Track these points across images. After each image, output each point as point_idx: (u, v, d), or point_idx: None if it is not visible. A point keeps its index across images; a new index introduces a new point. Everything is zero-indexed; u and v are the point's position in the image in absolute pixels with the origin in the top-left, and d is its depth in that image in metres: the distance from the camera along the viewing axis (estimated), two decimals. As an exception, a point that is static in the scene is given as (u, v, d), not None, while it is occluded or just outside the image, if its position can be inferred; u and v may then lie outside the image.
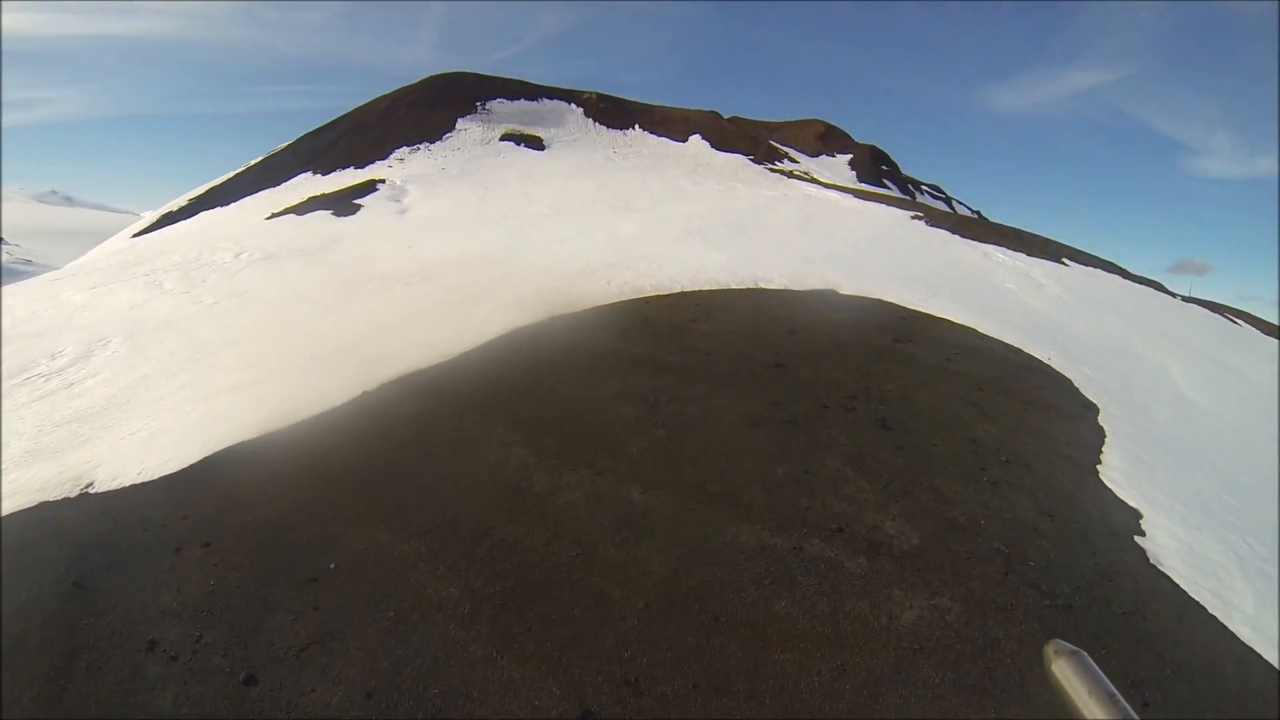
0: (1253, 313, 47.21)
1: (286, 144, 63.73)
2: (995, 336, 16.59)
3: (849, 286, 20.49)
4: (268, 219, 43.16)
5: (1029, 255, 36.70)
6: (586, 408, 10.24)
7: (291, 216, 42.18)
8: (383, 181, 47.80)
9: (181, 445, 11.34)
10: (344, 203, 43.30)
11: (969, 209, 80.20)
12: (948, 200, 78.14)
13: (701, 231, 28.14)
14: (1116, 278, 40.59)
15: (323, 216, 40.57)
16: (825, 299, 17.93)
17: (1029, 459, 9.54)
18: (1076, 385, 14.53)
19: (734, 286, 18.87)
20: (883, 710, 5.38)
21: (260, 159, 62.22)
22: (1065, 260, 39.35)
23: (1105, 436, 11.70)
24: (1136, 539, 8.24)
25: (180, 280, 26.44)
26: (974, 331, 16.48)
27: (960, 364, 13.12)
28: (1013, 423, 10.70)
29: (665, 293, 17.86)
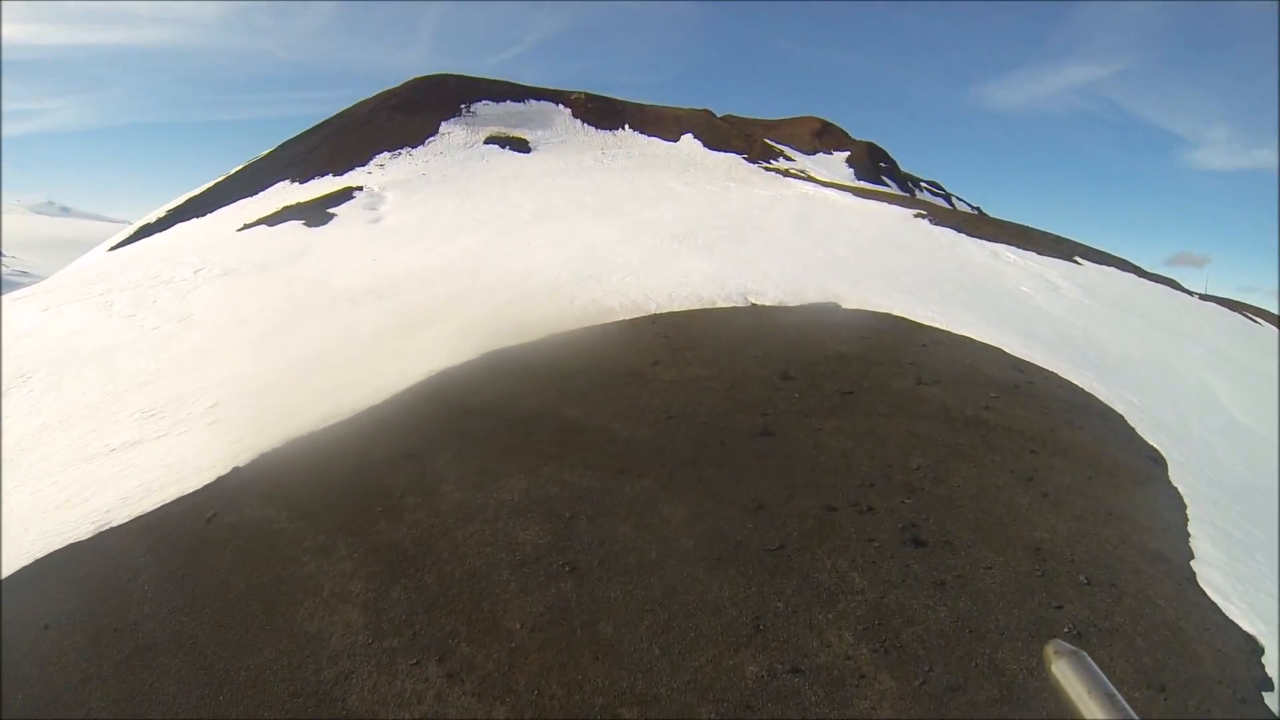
0: (1256, 304, 44.66)
1: (267, 151, 60.98)
2: (1028, 360, 13.85)
3: (853, 298, 17.66)
4: (239, 230, 41.32)
5: (1040, 254, 33.90)
6: (469, 530, 6.98)
7: (263, 227, 40.43)
8: (360, 189, 45.36)
9: (9, 545, 8.80)
10: (318, 212, 41.24)
11: (969, 205, 77.32)
12: (947, 197, 75.22)
13: (689, 236, 25.28)
14: (1132, 276, 37.76)
15: (294, 227, 38.67)
16: (826, 318, 15.06)
17: (1112, 571, 6.66)
18: (1131, 424, 11.78)
19: (718, 304, 16.05)
20: None
21: (240, 167, 59.55)
22: (1078, 259, 36.50)
23: (1185, 506, 8.89)
24: (1267, 698, 5.48)
25: (131, 301, 24.42)
26: (1004, 355, 13.70)
27: (1001, 412, 10.13)
28: (1080, 506, 7.80)
29: (635, 315, 15.05)
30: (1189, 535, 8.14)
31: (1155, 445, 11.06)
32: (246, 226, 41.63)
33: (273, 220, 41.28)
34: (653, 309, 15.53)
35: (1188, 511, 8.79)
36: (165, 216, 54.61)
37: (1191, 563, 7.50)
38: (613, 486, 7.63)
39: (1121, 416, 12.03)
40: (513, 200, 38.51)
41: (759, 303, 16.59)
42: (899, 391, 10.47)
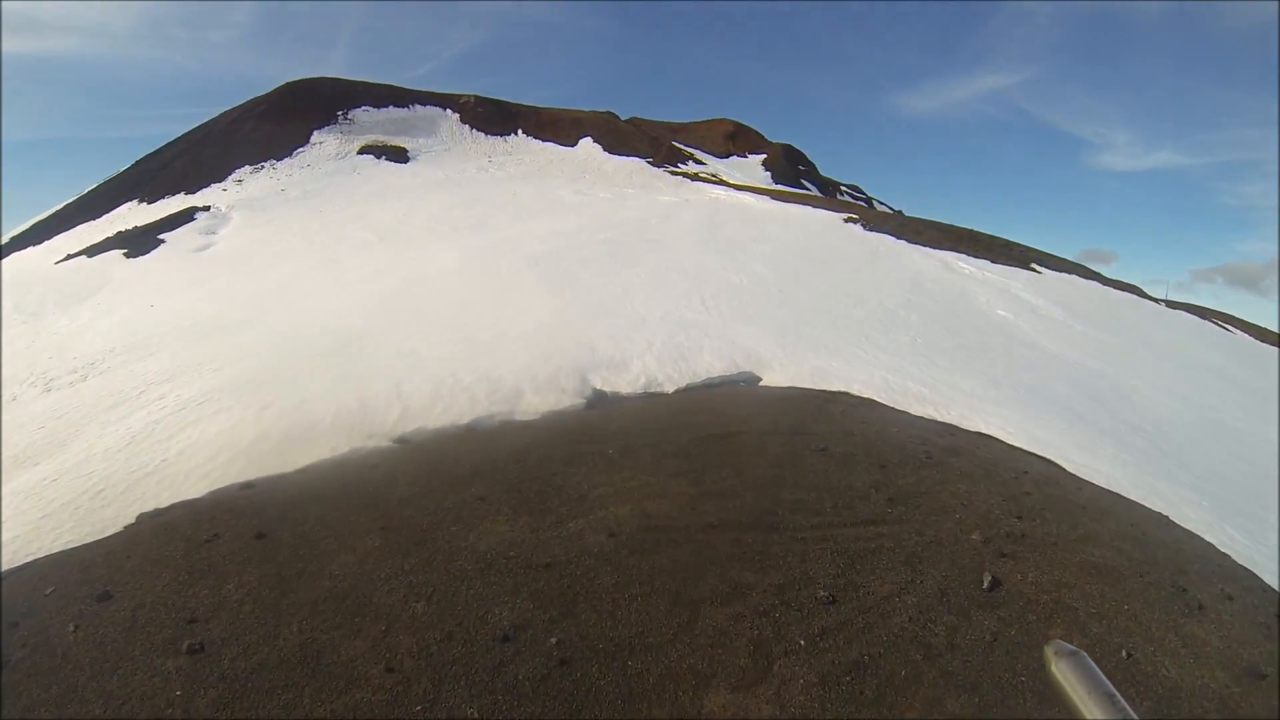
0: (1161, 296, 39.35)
1: (123, 169, 51.57)
2: (1120, 493, 6.58)
3: (779, 360, 10.06)
4: (58, 263, 33.02)
5: (994, 263, 26.97)
6: None
7: (81, 259, 32.41)
8: (207, 209, 36.77)
9: None
10: (147, 239, 33.20)
11: (889, 208, 70.75)
12: (868, 200, 68.51)
13: (551, 258, 17.45)
14: (1095, 285, 31.16)
15: (109, 259, 30.84)
16: (721, 460, 7.00)
17: None
18: None
19: (522, 405, 8.20)
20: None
21: (92, 187, 50.17)
22: (1035, 266, 29.69)
23: None
24: None
25: None
26: (1106, 510, 6.09)
27: None
28: None
29: (343, 447, 7.11)
30: None
31: None
32: (69, 257, 33.40)
33: (94, 250, 33.03)
34: (388, 423, 7.66)
35: None
36: (6, 244, 45.81)
37: None
38: None
39: None
40: (369, 218, 30.54)
41: (608, 391, 8.79)
42: None
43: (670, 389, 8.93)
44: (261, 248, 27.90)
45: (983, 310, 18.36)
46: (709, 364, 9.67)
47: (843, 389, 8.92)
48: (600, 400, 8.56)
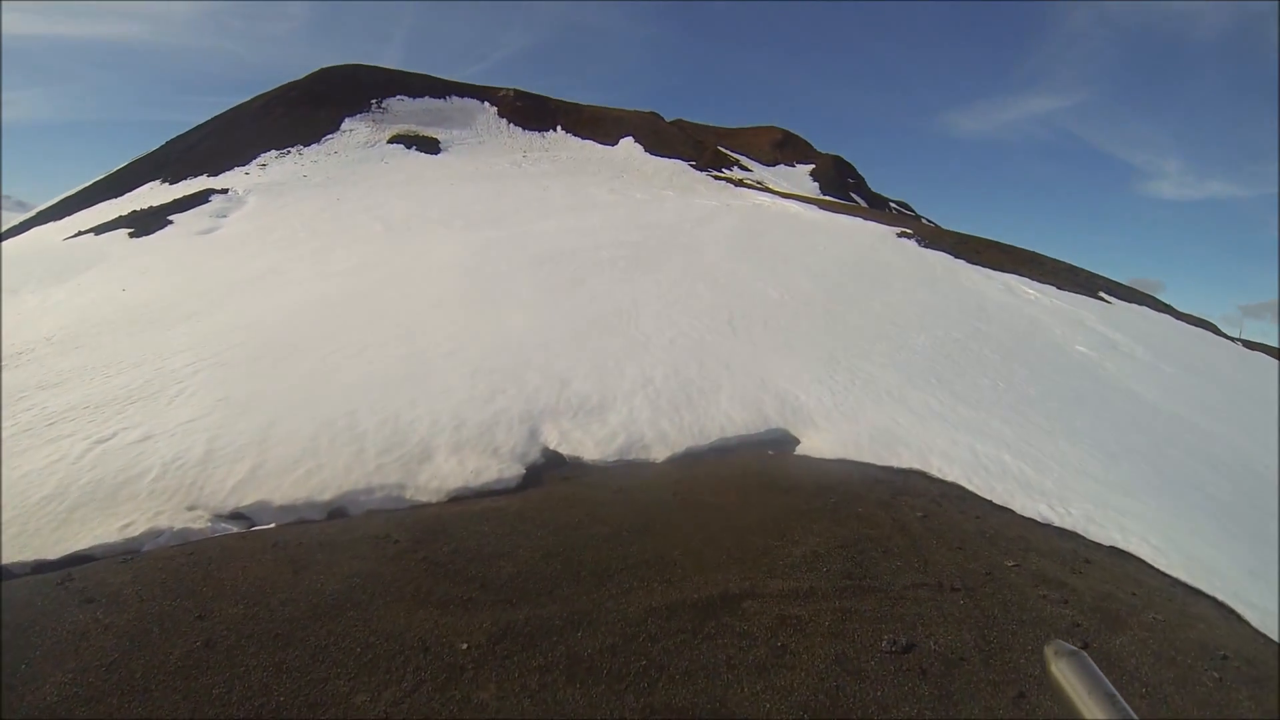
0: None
1: (152, 150, 50.03)
2: None
3: (827, 415, 7.36)
4: (66, 240, 31.60)
5: (1060, 289, 24.04)
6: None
7: (88, 237, 31.26)
8: (223, 191, 34.96)
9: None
10: (155, 219, 31.67)
11: (937, 227, 67.37)
12: (916, 218, 65.24)
13: (560, 259, 14.89)
14: (1169, 318, 28.00)
15: (114, 238, 29.58)
16: (690, 709, 4.27)
17: None
18: None
19: (421, 481, 5.50)
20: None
21: (122, 165, 48.69)
22: (1103, 295, 26.56)
23: None
24: None
25: None
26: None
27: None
28: None
29: (79, 547, 4.47)
30: None
31: None
32: (78, 234, 31.96)
33: (103, 228, 31.57)
34: (224, 488, 5.01)
35: None
36: (33, 218, 44.80)
37: None
38: None
39: None
40: (385, 208, 28.32)
41: (566, 453, 6.16)
42: None
43: (661, 455, 6.21)
44: (266, 234, 25.86)
45: (1060, 345, 15.44)
46: (726, 414, 6.94)
47: (917, 465, 6.19)
48: (549, 469, 5.86)
